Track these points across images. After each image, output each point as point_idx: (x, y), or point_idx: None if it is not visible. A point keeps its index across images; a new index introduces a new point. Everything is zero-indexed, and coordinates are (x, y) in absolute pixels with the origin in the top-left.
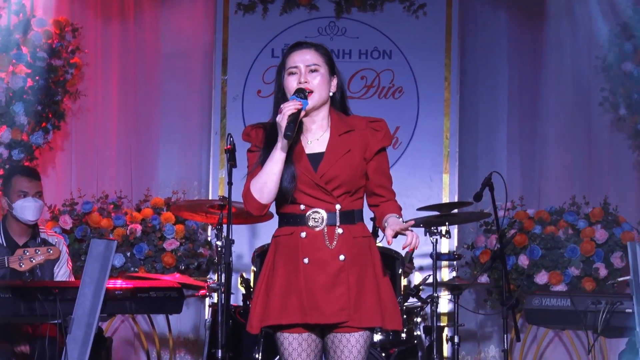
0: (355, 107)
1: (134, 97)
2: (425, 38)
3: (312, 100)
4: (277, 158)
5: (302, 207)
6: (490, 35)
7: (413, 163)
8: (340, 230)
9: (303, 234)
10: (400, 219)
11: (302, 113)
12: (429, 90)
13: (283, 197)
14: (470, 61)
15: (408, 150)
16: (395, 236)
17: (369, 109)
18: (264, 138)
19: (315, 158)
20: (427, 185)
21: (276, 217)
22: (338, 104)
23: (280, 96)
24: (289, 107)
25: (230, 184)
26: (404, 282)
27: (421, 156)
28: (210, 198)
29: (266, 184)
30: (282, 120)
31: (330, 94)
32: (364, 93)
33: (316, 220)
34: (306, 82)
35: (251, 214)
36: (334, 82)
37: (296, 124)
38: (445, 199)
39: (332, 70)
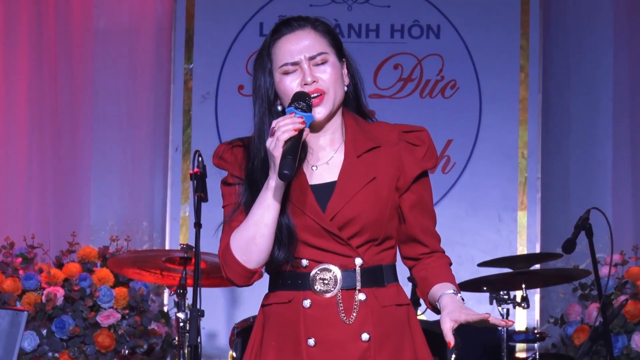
0: (385, 111)
1: (53, 95)
2: (490, 8)
3: (325, 108)
4: (269, 203)
5: (305, 263)
6: (588, 4)
7: (473, 195)
8: (362, 297)
9: (307, 303)
10: (459, 295)
11: (306, 132)
12: (497, 86)
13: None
14: (559, 43)
15: (465, 176)
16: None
17: (406, 114)
18: (247, 164)
19: (324, 191)
20: (493, 229)
21: (266, 276)
22: (353, 101)
23: (266, 108)
24: (285, 128)
25: (198, 225)
26: None
27: (485, 185)
28: (167, 247)
29: (254, 239)
30: (276, 149)
31: (345, 88)
32: (398, 90)
33: (326, 282)
34: (315, 81)
35: (234, 283)
36: (345, 69)
37: (297, 155)
38: (522, 249)
39: (340, 53)
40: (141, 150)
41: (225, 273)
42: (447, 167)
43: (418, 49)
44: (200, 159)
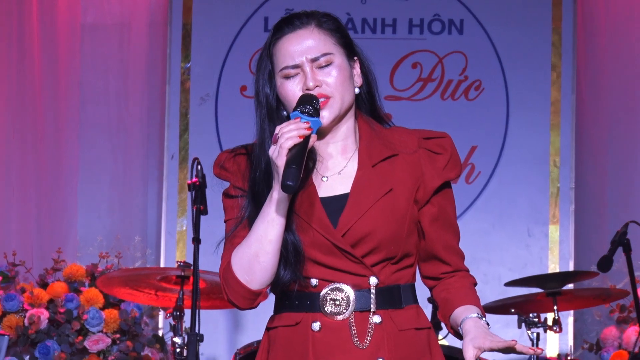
0: (402, 114)
1: (36, 97)
2: (519, 0)
3: (330, 112)
4: (273, 217)
5: (315, 282)
6: None
7: (499, 207)
8: (377, 319)
9: (316, 326)
10: (484, 319)
11: (313, 139)
12: (526, 87)
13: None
14: (595, 39)
15: (491, 187)
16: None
17: (426, 118)
18: (251, 174)
19: (335, 204)
20: (522, 245)
21: (272, 297)
22: (366, 103)
23: (266, 114)
24: (289, 135)
25: (196, 241)
26: None
27: (513, 196)
28: (162, 265)
29: (257, 257)
30: (279, 158)
31: (357, 90)
32: (416, 91)
33: (337, 303)
34: (317, 85)
35: (236, 305)
36: (357, 68)
37: (302, 165)
38: (553, 267)
39: (351, 51)
40: (133, 158)
41: (227, 295)
42: (472, 177)
43: (439, 46)
44: (199, 167)
